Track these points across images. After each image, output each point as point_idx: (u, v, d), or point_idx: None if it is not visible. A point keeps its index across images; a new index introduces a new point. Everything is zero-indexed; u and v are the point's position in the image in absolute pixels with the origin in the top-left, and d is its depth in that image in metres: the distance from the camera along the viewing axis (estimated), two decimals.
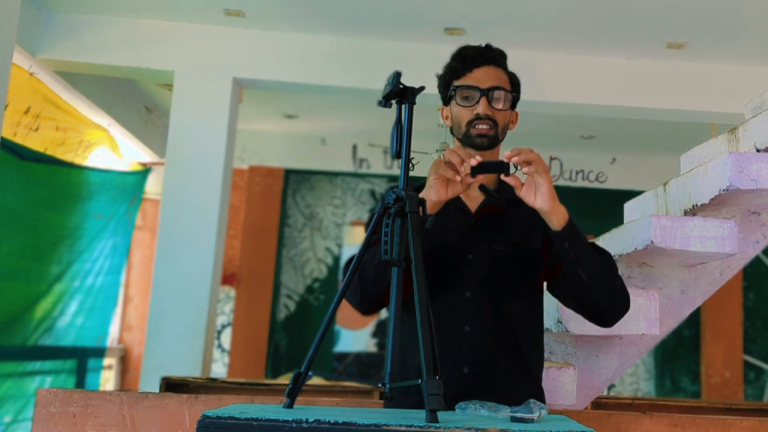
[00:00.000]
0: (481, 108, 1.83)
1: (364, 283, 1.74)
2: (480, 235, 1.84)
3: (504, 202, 1.85)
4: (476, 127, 1.83)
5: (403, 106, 1.54)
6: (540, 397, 1.84)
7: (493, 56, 1.89)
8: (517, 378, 1.80)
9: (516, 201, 1.79)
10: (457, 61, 1.89)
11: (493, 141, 1.85)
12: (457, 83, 1.87)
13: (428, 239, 1.79)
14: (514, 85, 1.91)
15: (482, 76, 1.85)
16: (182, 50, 4.77)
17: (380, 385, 1.40)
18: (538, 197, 1.68)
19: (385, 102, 1.54)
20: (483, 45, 1.91)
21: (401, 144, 1.52)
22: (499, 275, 1.81)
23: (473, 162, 1.68)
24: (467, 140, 1.85)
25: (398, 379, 1.40)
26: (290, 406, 1.45)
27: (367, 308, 1.81)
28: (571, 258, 1.70)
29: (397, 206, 1.48)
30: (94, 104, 5.39)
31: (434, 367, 1.37)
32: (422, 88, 1.55)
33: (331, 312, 1.50)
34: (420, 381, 1.32)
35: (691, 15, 4.30)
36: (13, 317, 4.92)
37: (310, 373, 1.48)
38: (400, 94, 1.53)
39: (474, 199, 1.87)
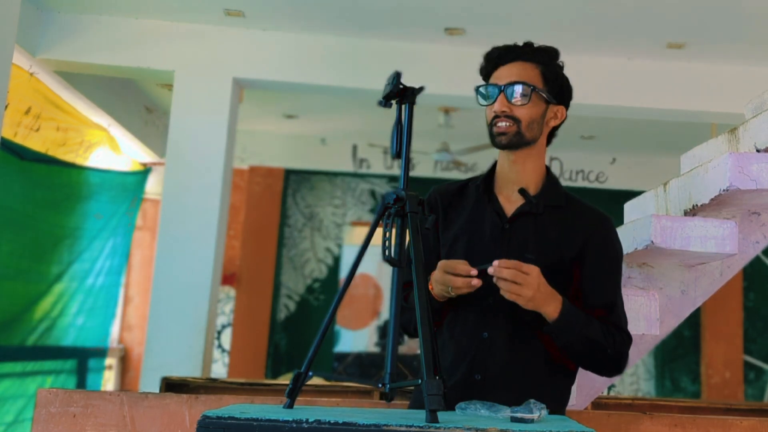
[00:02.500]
0: (497, 105, 1.77)
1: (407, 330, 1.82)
2: (511, 241, 1.77)
3: (542, 209, 1.78)
4: (496, 125, 1.77)
5: (403, 106, 1.53)
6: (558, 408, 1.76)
7: (522, 52, 1.81)
8: (531, 388, 1.67)
9: (556, 207, 1.77)
10: (485, 62, 1.84)
11: (513, 139, 1.77)
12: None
13: (462, 240, 1.78)
14: (548, 79, 1.81)
15: (504, 74, 1.79)
16: (182, 50, 4.77)
17: (380, 385, 1.40)
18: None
19: (385, 102, 1.54)
20: (521, 43, 1.83)
21: (401, 144, 1.52)
22: None
23: (475, 283, 1.64)
24: (492, 140, 1.80)
25: (397, 379, 1.40)
26: (290, 406, 1.44)
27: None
28: (558, 345, 1.72)
29: (397, 206, 1.48)
30: (94, 104, 5.39)
31: (434, 367, 1.37)
32: (422, 88, 1.54)
33: (331, 312, 1.50)
34: (420, 381, 1.32)
35: (691, 15, 4.30)
36: (13, 317, 4.92)
37: (310, 373, 1.47)
38: (400, 94, 1.52)
39: (513, 202, 1.81)
